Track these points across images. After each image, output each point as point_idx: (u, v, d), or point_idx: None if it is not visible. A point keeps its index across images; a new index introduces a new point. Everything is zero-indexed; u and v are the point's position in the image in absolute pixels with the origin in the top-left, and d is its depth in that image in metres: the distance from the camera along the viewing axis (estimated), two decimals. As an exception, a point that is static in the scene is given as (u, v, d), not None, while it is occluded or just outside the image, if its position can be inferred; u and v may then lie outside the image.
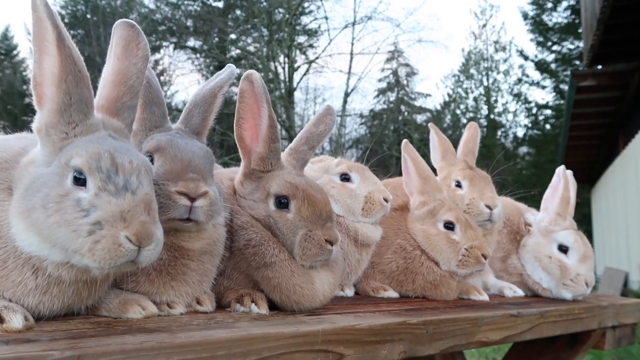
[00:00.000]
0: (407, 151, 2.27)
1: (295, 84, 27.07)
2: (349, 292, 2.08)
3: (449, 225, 2.15)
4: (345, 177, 2.06)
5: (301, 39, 28.90)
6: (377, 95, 36.13)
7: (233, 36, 28.13)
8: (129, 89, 1.27)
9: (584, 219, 21.29)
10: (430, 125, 2.72)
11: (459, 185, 2.49)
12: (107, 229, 1.04)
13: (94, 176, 1.08)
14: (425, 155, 2.72)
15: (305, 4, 28.41)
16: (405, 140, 2.31)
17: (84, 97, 1.15)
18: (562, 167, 2.57)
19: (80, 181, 1.08)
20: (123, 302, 1.25)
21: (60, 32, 1.11)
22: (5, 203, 1.13)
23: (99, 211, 1.05)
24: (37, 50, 1.14)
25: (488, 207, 2.35)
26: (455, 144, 2.74)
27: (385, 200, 2.02)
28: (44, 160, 1.14)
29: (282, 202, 1.55)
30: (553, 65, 33.91)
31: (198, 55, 29.28)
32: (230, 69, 1.69)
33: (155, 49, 28.60)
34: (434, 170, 2.52)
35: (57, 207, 1.05)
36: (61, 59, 1.11)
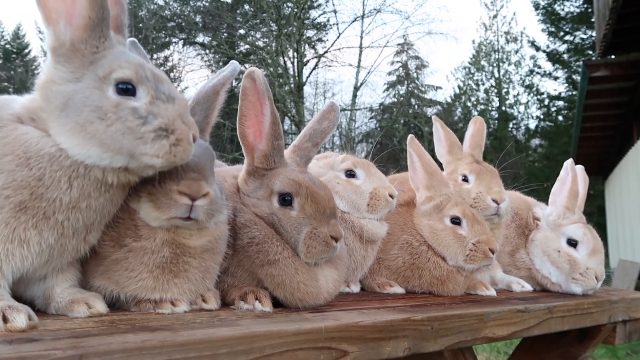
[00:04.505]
0: (413, 146, 2.26)
1: (304, 79, 26.99)
2: (355, 288, 2.08)
3: (456, 220, 2.14)
4: (350, 173, 2.05)
5: (310, 33, 28.79)
6: (387, 89, 35.96)
7: (242, 31, 28.07)
8: (122, 7, 1.34)
9: (597, 211, 21.06)
10: (434, 118, 2.67)
11: (465, 179, 2.46)
12: (177, 133, 1.15)
13: (145, 85, 1.16)
14: (436, 150, 2.69)
15: (314, -2, 28.31)
16: (410, 135, 2.30)
17: (110, 12, 1.20)
18: (570, 160, 2.54)
19: (128, 91, 1.14)
20: (71, 300, 1.24)
21: None
22: (18, 129, 1.15)
23: (159, 118, 1.15)
24: None
25: (495, 201, 2.33)
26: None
27: (391, 196, 2.01)
28: (70, 77, 1.17)
29: (285, 200, 1.54)
30: (565, 56, 33.49)
31: (207, 51, 29.28)
32: (232, 65, 1.68)
33: (165, 46, 28.71)
34: (440, 164, 2.50)
35: (116, 117, 1.12)
36: None
